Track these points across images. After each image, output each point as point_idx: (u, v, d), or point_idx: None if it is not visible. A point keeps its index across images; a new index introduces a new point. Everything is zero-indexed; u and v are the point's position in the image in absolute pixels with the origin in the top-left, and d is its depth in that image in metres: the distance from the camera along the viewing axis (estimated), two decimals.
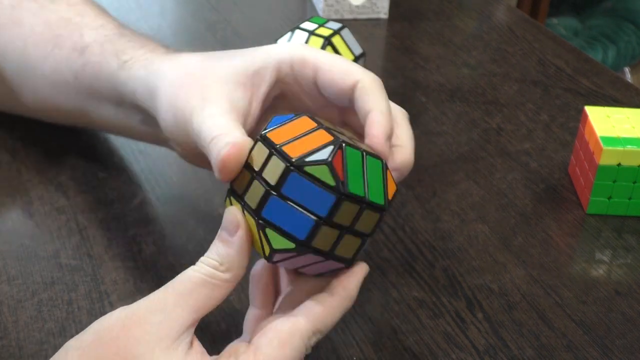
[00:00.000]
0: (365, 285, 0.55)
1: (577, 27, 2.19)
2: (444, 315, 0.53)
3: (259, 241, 0.40)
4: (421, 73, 0.83)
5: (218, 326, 0.50)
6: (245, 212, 0.40)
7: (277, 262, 0.41)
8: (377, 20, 0.95)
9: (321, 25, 0.72)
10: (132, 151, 0.67)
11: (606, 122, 0.64)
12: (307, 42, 0.71)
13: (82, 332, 0.38)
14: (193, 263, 0.40)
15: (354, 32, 0.77)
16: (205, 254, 0.40)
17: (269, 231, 0.39)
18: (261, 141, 0.40)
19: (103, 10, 0.64)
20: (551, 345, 0.51)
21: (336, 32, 0.72)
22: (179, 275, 0.39)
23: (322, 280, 0.42)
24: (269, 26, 0.91)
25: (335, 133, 0.40)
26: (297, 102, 0.48)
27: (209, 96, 0.45)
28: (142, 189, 0.62)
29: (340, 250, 0.40)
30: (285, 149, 0.39)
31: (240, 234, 0.40)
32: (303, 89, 0.47)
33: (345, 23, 0.86)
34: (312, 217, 0.38)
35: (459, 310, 0.53)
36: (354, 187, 0.39)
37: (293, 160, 0.38)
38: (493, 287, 0.55)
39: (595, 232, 0.62)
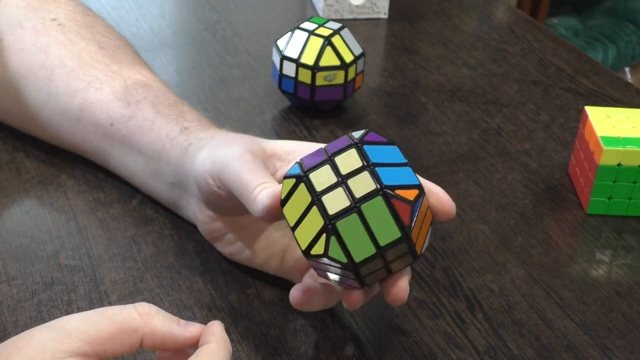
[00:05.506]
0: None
1: (577, 27, 2.19)
2: (444, 315, 0.53)
3: (310, 234, 0.41)
4: (421, 73, 0.83)
5: None
6: (313, 206, 0.41)
7: (314, 261, 0.42)
8: (377, 20, 0.95)
9: (321, 25, 0.72)
10: None
11: (606, 122, 0.64)
12: (307, 41, 0.71)
13: None
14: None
15: (354, 32, 0.77)
16: None
17: (333, 240, 0.40)
18: (356, 149, 0.42)
19: (133, 54, 0.64)
20: (551, 346, 0.51)
21: (336, 32, 0.72)
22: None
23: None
24: (269, 26, 0.91)
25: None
26: None
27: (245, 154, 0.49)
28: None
29: (370, 278, 0.42)
30: (378, 169, 0.41)
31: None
32: None
33: (345, 23, 0.86)
34: (373, 246, 0.40)
35: (459, 311, 0.53)
36: (414, 233, 0.41)
37: (384, 184, 0.40)
38: (493, 287, 0.55)
39: (595, 232, 0.62)
